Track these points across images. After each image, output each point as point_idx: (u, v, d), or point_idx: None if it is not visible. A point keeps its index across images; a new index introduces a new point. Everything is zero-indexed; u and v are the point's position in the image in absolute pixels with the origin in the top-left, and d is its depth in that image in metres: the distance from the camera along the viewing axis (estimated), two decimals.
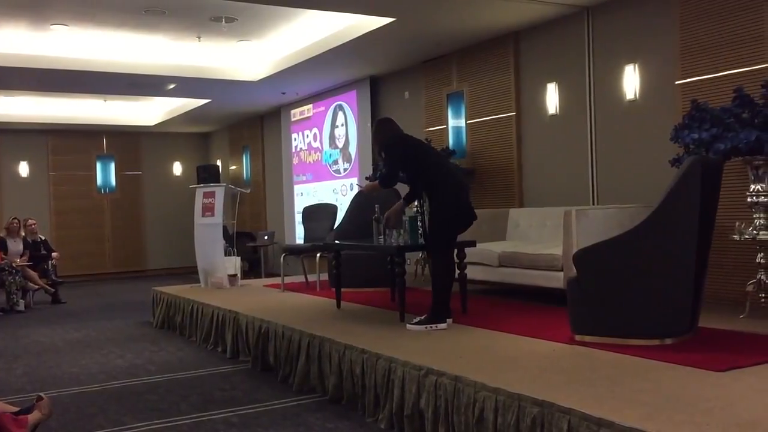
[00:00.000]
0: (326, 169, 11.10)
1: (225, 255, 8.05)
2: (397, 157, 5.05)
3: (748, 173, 4.80)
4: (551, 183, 7.15)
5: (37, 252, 10.44)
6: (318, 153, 11.31)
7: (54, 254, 10.68)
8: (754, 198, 4.75)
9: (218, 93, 10.72)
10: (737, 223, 4.84)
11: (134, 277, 14.19)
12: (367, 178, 9.05)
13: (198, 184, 8.46)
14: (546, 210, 6.71)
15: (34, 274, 10.03)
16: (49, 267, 10.44)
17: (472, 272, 5.64)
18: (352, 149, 10.39)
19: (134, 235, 14.80)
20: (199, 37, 8.23)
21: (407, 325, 4.81)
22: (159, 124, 13.77)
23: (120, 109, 13.15)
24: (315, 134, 11.36)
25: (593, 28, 6.64)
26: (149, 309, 8.22)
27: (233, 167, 14.37)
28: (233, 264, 8.08)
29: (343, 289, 6.04)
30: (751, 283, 4.81)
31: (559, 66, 7.03)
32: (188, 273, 11.87)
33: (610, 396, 3.03)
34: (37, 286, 10.04)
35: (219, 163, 14.44)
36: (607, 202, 6.48)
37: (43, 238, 10.95)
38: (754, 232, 4.73)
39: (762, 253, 4.78)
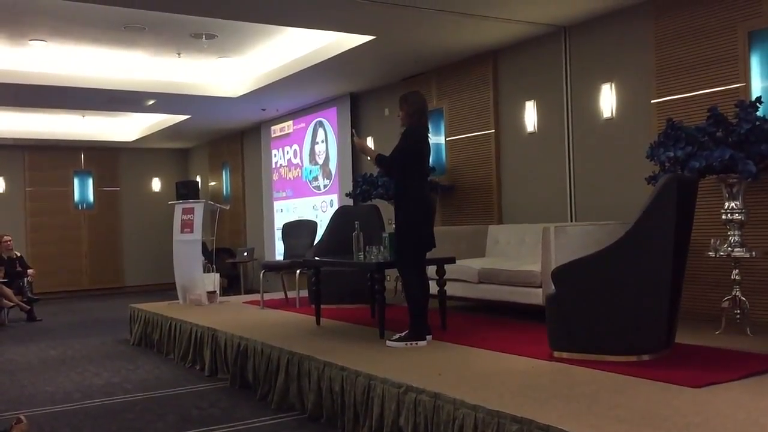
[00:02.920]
0: (306, 185, 11.10)
1: (204, 271, 7.99)
2: (408, 147, 4.83)
3: (723, 191, 4.87)
4: (530, 200, 7.21)
5: (12, 269, 10.29)
6: (298, 169, 11.31)
7: (30, 271, 10.54)
8: (729, 215, 4.82)
9: (198, 109, 10.70)
10: (712, 240, 4.90)
11: (111, 294, 14.03)
12: (347, 195, 9.07)
13: (177, 200, 8.41)
14: (525, 227, 6.75)
15: (9, 291, 9.88)
16: (25, 284, 10.29)
17: (451, 289, 5.65)
18: (333, 166, 10.40)
19: (112, 252, 14.66)
20: (179, 54, 8.23)
21: (387, 342, 4.80)
22: (138, 139, 13.69)
23: (98, 125, 13.06)
24: (295, 150, 11.36)
25: (570, 48, 6.73)
26: (126, 326, 8.13)
27: (213, 183, 14.31)
28: (212, 281, 8.03)
29: (323, 306, 6.02)
30: (727, 300, 4.86)
31: (537, 84, 7.11)
32: (166, 290, 11.75)
33: (589, 413, 3.04)
34: (12, 304, 9.89)
35: (198, 179, 14.39)
36: (585, 219, 6.54)
37: (18, 254, 10.80)
38: (729, 249, 4.79)
39: (737, 270, 4.84)
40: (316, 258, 6.41)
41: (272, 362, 4.96)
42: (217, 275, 8.22)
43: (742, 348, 4.33)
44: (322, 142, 10.64)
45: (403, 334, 4.80)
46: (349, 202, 9.10)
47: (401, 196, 4.89)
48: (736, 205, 4.80)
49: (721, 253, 4.81)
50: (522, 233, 6.69)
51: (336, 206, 9.80)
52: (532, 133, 7.18)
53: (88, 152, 14.45)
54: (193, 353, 6.32)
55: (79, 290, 14.14)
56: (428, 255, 5.03)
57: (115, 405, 5.03)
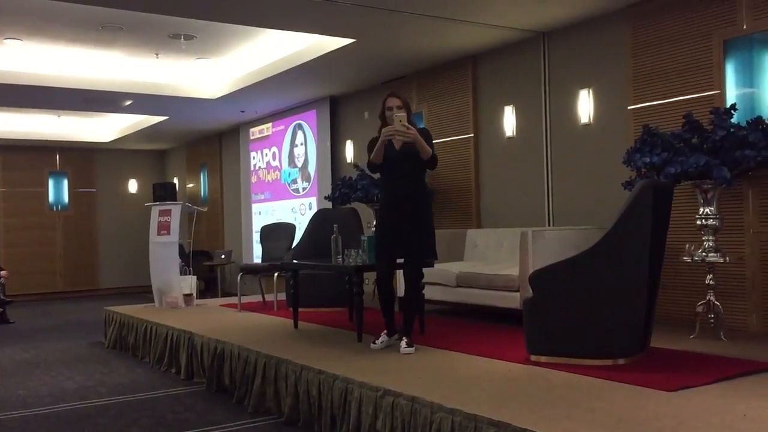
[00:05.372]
0: (285, 188, 11.06)
1: (181, 274, 7.93)
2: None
3: (698, 197, 4.92)
4: (508, 204, 7.24)
5: None
6: (277, 172, 11.27)
7: (2, 273, 10.38)
8: (703, 221, 4.88)
9: (176, 110, 10.62)
10: (687, 246, 4.96)
11: (86, 297, 13.87)
12: (326, 198, 9.04)
13: (154, 202, 8.34)
14: (503, 231, 6.78)
15: None
16: None
17: (429, 292, 5.66)
18: (312, 168, 10.38)
19: (87, 254, 14.49)
20: (157, 54, 8.16)
21: (402, 350, 4.59)
22: (114, 140, 13.56)
23: (74, 125, 12.91)
24: (274, 153, 11.32)
25: (549, 54, 6.78)
26: (101, 329, 8.04)
27: (190, 185, 14.21)
28: (189, 283, 7.97)
29: (300, 309, 6.00)
30: (701, 304, 4.92)
31: (516, 89, 7.15)
32: (142, 292, 11.64)
33: (565, 416, 3.06)
34: None
35: (176, 180, 14.28)
36: (562, 223, 6.59)
37: None
38: (704, 254, 4.85)
39: (711, 275, 4.90)
40: (294, 261, 6.40)
41: (249, 366, 4.92)
42: (194, 278, 8.16)
43: (716, 352, 4.38)
44: (302, 144, 10.61)
45: (407, 339, 4.67)
46: (328, 205, 9.07)
47: (421, 193, 4.87)
48: (710, 210, 4.86)
49: (696, 258, 4.87)
50: (500, 237, 6.72)
51: (315, 209, 9.77)
52: (510, 138, 7.21)
53: (64, 153, 14.28)
54: (168, 356, 6.25)
55: (53, 292, 13.95)
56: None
57: (88, 409, 4.97)
